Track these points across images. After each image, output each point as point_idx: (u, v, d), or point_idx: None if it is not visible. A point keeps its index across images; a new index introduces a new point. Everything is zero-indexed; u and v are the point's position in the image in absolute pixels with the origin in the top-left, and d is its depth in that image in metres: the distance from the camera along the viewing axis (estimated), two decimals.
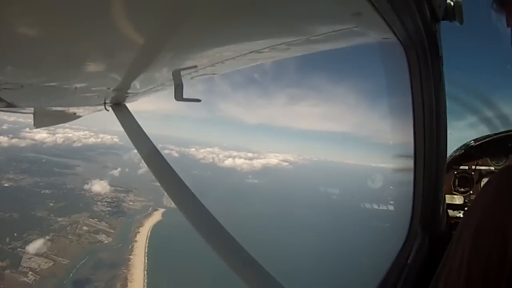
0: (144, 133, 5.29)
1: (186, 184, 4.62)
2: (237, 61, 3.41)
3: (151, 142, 5.20)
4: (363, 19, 2.18)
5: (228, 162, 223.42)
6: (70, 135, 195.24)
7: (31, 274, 72.18)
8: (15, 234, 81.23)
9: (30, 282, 70.52)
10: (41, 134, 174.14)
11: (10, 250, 77.00)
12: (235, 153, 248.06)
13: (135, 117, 5.48)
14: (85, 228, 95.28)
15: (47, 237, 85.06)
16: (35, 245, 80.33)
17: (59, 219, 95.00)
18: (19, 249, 78.06)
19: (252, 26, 2.46)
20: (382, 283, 3.75)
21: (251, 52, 3.11)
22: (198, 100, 4.12)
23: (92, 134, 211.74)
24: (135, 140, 5.23)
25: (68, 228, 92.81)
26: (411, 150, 3.75)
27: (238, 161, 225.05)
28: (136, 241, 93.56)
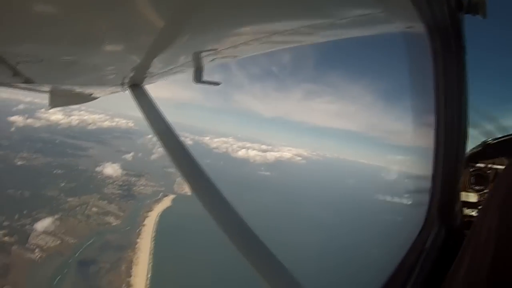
0: (162, 115, 5.27)
1: (202, 168, 4.57)
2: (259, 43, 3.32)
3: (168, 125, 5.15)
4: (390, 3, 2.21)
5: (242, 153, 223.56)
6: (86, 117, 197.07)
7: (38, 251, 73.13)
8: (25, 212, 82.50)
9: (36, 259, 71.40)
10: (57, 116, 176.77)
11: (19, 226, 78.28)
12: (248, 145, 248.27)
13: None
14: (94, 209, 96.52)
15: (56, 216, 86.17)
16: (44, 224, 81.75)
17: (69, 199, 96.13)
18: (27, 226, 79.24)
19: (276, 6, 2.41)
20: (399, 267, 3.68)
21: (274, 34, 3.05)
22: (218, 83, 4.24)
23: (107, 117, 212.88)
24: (152, 122, 5.22)
25: (77, 209, 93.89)
26: (430, 148, 3.70)
27: (251, 153, 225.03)
28: (144, 225, 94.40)
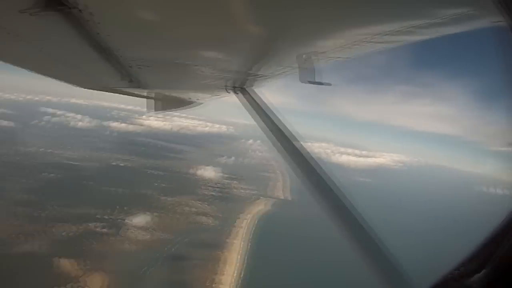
0: (271, 117, 5.35)
1: (320, 169, 4.69)
2: (364, 44, 3.34)
3: (278, 126, 5.25)
4: (479, 1, 2.27)
5: (339, 158, 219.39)
6: (183, 123, 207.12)
7: (129, 243, 77.20)
8: (118, 207, 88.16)
9: (127, 251, 74.98)
10: (155, 122, 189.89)
11: (113, 220, 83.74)
12: (345, 150, 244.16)
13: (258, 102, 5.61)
14: (189, 209, 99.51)
15: (151, 213, 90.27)
16: (138, 219, 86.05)
17: (164, 198, 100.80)
18: (122, 220, 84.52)
19: (380, 8, 2.51)
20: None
21: (377, 35, 3.08)
22: (328, 84, 4.06)
23: (204, 122, 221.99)
24: (261, 124, 5.33)
25: (172, 207, 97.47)
26: None
27: (349, 158, 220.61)
28: (237, 226, 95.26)
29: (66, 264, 64.60)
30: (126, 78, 5.38)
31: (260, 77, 5.28)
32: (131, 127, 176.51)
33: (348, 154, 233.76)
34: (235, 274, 74.61)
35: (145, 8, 2.74)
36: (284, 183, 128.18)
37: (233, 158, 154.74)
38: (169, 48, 3.94)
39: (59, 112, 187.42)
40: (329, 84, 3.95)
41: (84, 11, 2.68)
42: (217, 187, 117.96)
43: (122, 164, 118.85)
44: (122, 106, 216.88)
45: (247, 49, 3.73)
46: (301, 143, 5.03)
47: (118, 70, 4.86)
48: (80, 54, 4.25)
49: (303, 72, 3.76)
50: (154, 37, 3.42)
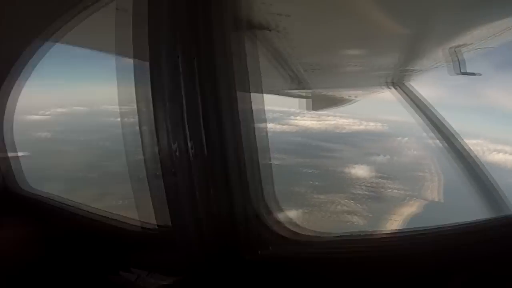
0: (426, 112, 5.30)
1: (479, 170, 4.52)
2: (509, 32, 3.42)
3: (434, 121, 5.17)
4: None
5: (494, 156, 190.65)
6: (335, 121, 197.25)
7: None
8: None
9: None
10: (306, 121, 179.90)
11: None
12: (493, 147, 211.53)
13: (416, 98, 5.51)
14: (340, 207, 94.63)
15: (297, 209, 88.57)
16: (285, 214, 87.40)
17: (316, 196, 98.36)
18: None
19: None
20: None
21: None
22: (479, 74, 4.19)
23: (353, 120, 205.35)
24: (417, 119, 5.26)
25: (322, 205, 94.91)
26: None
27: (499, 156, 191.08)
28: (384, 227, 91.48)
29: None
30: (288, 80, 5.75)
31: (414, 71, 5.48)
32: (281, 127, 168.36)
33: (498, 151, 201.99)
34: None
35: (320, 23, 3.21)
36: (438, 183, 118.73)
37: (386, 156, 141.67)
38: (332, 51, 4.37)
39: None
40: (475, 74, 4.08)
41: (273, 30, 3.25)
42: (369, 186, 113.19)
43: (275, 163, 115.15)
44: (269, 107, 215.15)
45: (401, 45, 3.96)
46: (458, 139, 4.82)
47: (283, 74, 5.26)
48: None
49: (454, 64, 3.95)
50: (322, 44, 3.87)
